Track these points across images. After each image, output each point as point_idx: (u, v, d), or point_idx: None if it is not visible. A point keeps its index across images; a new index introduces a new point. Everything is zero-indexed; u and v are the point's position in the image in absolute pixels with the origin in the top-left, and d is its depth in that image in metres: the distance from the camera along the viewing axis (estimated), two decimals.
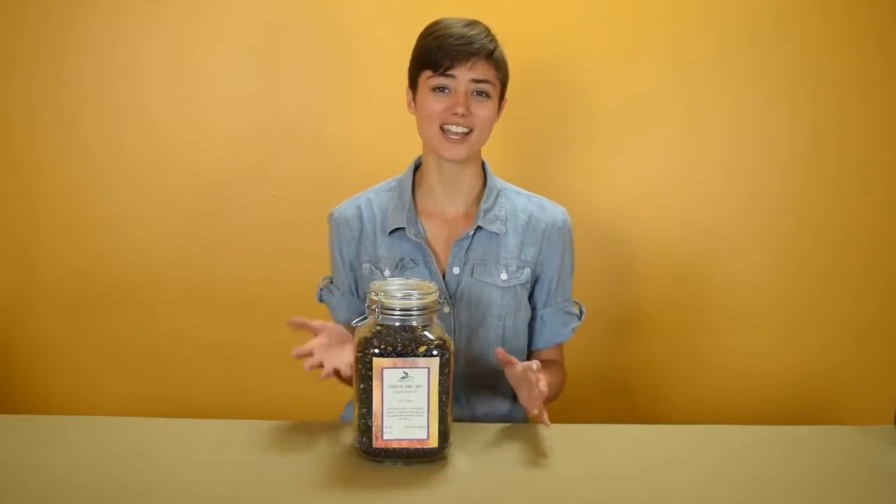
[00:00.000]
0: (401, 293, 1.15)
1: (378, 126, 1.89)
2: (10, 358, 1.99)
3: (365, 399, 1.14)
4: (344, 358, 1.26)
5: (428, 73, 1.41)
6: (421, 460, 1.15)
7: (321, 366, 1.22)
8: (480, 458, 1.19)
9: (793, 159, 1.93)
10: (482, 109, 1.41)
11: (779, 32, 1.89)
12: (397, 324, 1.14)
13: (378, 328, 1.14)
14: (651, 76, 1.91)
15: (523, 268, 1.49)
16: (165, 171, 1.94)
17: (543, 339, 1.54)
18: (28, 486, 1.08)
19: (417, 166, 1.53)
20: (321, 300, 1.58)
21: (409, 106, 1.48)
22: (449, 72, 1.39)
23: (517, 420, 1.53)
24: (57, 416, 1.34)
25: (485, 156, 1.53)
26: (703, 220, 1.94)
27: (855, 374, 1.98)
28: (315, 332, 1.28)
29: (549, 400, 1.51)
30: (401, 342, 1.13)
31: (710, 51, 1.89)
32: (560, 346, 1.57)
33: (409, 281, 1.23)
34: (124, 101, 1.92)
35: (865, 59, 1.89)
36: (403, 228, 1.47)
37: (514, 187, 1.55)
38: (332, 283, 1.56)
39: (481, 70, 1.40)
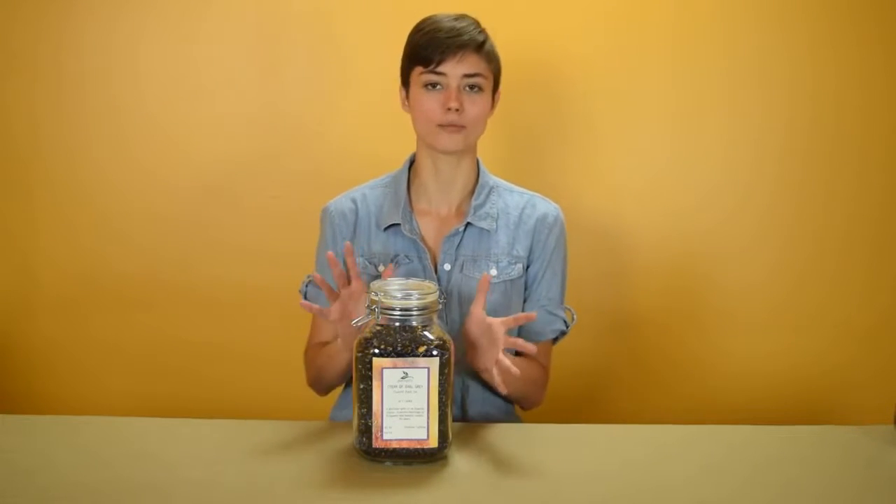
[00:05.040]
0: (401, 293, 1.15)
1: (379, 124, 1.89)
2: (11, 358, 1.99)
3: (365, 399, 1.14)
4: (357, 308, 1.26)
5: (419, 69, 1.42)
6: (421, 460, 1.15)
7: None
8: (480, 458, 1.19)
9: (790, 157, 1.93)
10: (475, 106, 1.41)
11: (784, 31, 1.88)
12: (397, 324, 1.14)
13: (378, 328, 1.15)
14: (649, 74, 1.90)
15: (515, 263, 1.48)
16: (165, 172, 1.93)
17: (522, 335, 1.49)
18: (32, 484, 1.09)
19: (412, 163, 1.53)
20: (307, 299, 1.53)
21: (403, 104, 1.49)
22: (439, 68, 1.39)
23: (513, 420, 1.53)
24: (58, 416, 1.34)
25: (481, 153, 1.53)
26: (704, 220, 1.94)
27: (858, 376, 1.97)
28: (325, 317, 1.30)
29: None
30: (401, 342, 1.13)
31: (710, 49, 1.89)
32: (543, 346, 1.50)
33: (409, 281, 1.22)
34: (123, 100, 1.92)
35: (867, 58, 1.89)
36: (398, 224, 1.47)
37: (507, 184, 1.55)
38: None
39: (472, 63, 1.40)
